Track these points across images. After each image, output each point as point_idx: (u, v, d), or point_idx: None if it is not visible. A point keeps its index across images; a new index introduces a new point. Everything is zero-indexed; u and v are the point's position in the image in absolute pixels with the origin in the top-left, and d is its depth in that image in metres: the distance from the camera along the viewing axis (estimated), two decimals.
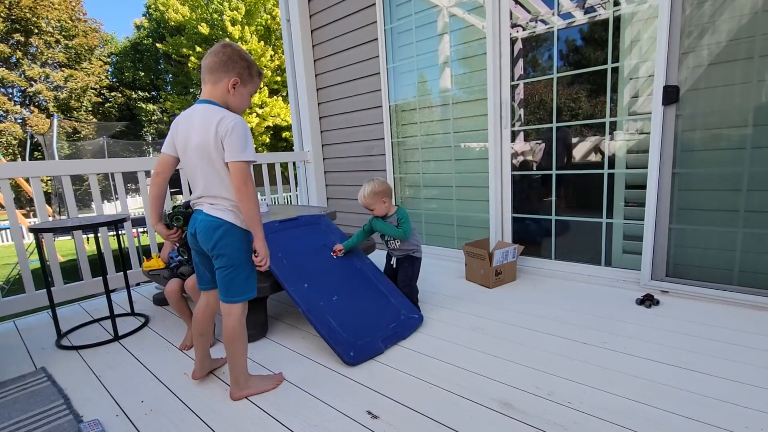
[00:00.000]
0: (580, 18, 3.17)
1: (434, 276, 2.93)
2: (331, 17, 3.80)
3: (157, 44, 19.10)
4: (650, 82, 2.32)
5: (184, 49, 17.51)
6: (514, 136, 3.01)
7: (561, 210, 2.83)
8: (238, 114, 1.40)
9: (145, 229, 6.45)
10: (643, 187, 2.37)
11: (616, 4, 2.56)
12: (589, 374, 1.57)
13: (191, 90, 20.00)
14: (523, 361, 1.70)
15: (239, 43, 16.17)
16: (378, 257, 2.56)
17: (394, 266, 2.33)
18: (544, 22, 3.19)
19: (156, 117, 22.19)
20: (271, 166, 3.93)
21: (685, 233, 2.32)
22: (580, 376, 1.56)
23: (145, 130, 22.25)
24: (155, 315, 2.51)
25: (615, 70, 2.55)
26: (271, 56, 17.00)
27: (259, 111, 16.52)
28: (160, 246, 2.57)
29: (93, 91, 20.43)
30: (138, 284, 3.17)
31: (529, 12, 3.23)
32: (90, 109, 20.62)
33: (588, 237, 2.76)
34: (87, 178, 2.84)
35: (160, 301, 2.68)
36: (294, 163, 4.24)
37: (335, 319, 1.87)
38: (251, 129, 16.63)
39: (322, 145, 4.23)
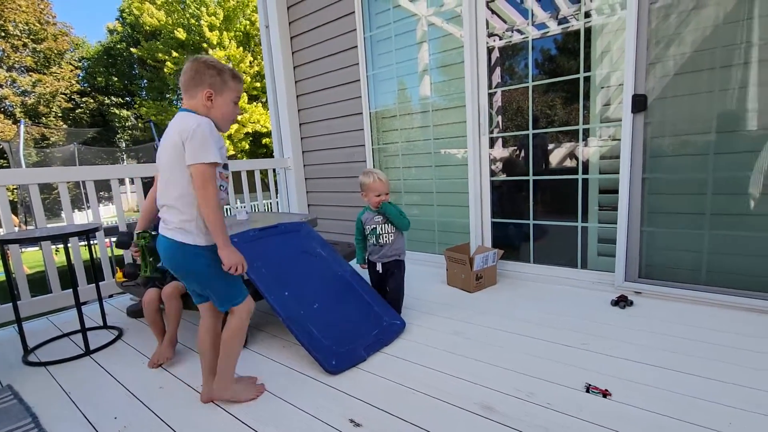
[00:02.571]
0: (554, 28, 3.27)
1: (416, 281, 2.94)
2: (311, 24, 3.81)
3: (132, 49, 18.66)
4: (620, 90, 2.42)
5: (160, 54, 17.16)
6: (492, 142, 3.07)
7: (538, 214, 2.90)
8: (225, 125, 1.41)
9: None
10: (616, 191, 2.45)
11: (587, 15, 2.66)
12: (567, 375, 1.60)
13: (167, 96, 19.58)
14: (504, 364, 1.72)
15: (217, 49, 15.99)
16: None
17: (381, 272, 2.30)
18: (519, 31, 3.28)
19: (130, 123, 21.60)
20: (250, 173, 3.89)
21: (656, 236, 2.41)
22: (560, 377, 1.59)
23: (118, 136, 21.62)
24: (129, 328, 2.43)
25: (587, 79, 2.64)
26: (250, 62, 16.84)
27: (238, 117, 16.31)
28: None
29: (63, 96, 19.74)
30: (111, 296, 3.06)
31: (505, 22, 3.32)
32: (60, 114, 19.89)
33: (565, 240, 2.83)
34: (57, 186, 2.74)
35: (134, 312, 2.59)
36: (274, 170, 4.20)
37: (316, 327, 1.85)
38: (230, 135, 16.39)
39: (303, 152, 4.20)
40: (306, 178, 4.26)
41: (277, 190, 4.34)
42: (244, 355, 1.97)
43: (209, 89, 1.34)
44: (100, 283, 2.48)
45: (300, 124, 4.16)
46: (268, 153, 17.25)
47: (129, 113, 21.45)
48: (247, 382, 1.63)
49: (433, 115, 3.31)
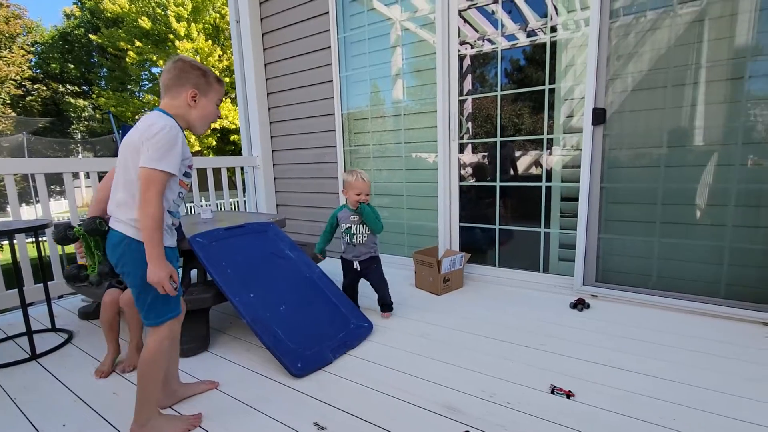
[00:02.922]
0: (523, 40, 3.39)
1: None
2: (284, 22, 3.75)
3: (91, 36, 17.64)
4: (583, 103, 2.54)
5: (122, 43, 16.31)
6: (462, 148, 3.13)
7: (504, 219, 2.99)
8: (204, 126, 1.38)
9: None
10: (576, 199, 2.56)
11: (554, 30, 2.78)
12: (528, 375, 1.66)
13: (128, 86, 18.65)
14: (469, 365, 1.76)
15: (185, 41, 15.42)
16: (330, 266, 2.54)
17: (359, 269, 2.33)
18: (490, 41, 3.38)
19: (87, 114, 20.39)
20: (217, 171, 3.77)
21: (612, 242, 2.54)
22: (520, 377, 1.65)
23: (73, 127, 20.34)
24: (80, 330, 2.29)
25: (552, 91, 2.76)
26: (219, 56, 16.33)
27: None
28: None
29: (12, 82, 18.38)
30: (61, 297, 2.87)
31: (476, 31, 3.41)
32: (8, 102, 18.49)
33: (528, 245, 2.93)
34: (2, 178, 2.54)
35: (86, 314, 2.44)
36: (242, 168, 4.09)
37: (282, 329, 1.82)
38: None
39: (273, 151, 4.13)
40: (275, 178, 4.18)
41: (244, 188, 4.24)
42: (205, 358, 1.91)
43: (194, 89, 1.32)
44: (49, 282, 2.32)
45: (270, 123, 4.08)
46: (236, 150, 16.78)
47: (86, 103, 20.23)
48: (174, 418, 1.43)
49: (405, 118, 3.34)
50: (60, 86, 19.98)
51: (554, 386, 1.55)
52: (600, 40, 2.36)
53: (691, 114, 2.26)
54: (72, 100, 20.00)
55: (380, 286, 2.35)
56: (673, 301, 2.31)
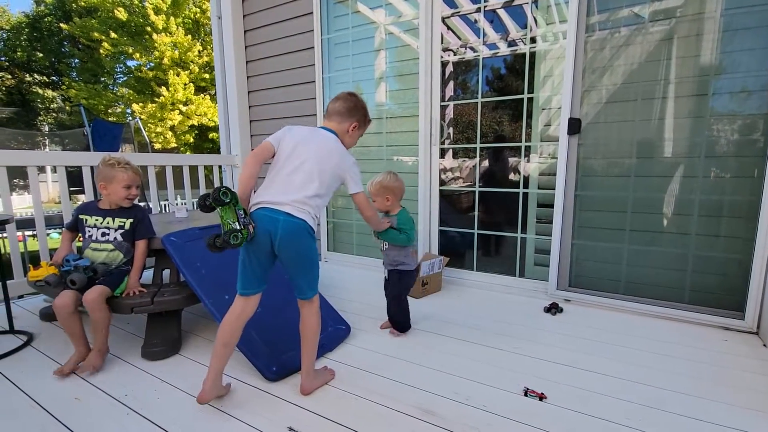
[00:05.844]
0: (504, 50, 3.47)
1: (363, 286, 2.94)
2: (267, 20, 3.71)
3: (62, 24, 16.92)
4: (559, 113, 2.61)
5: (96, 34, 15.71)
6: (443, 153, 3.17)
7: (482, 224, 3.04)
8: (348, 148, 1.68)
9: (35, 233, 5.61)
10: (552, 206, 2.63)
11: (533, 41, 2.86)
12: (501, 378, 1.69)
13: (102, 79, 17.98)
14: (445, 368, 1.77)
15: (163, 35, 15.00)
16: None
17: (386, 278, 2.13)
18: (472, 49, 3.44)
19: (56, 105, 19.51)
20: (193, 169, 3.67)
21: (585, 248, 2.62)
22: (494, 380, 1.67)
23: (41, 119, 19.42)
24: (41, 332, 2.18)
25: (531, 100, 2.83)
26: (199, 52, 15.96)
27: (183, 108, 15.36)
28: (53, 252, 2.23)
29: None
30: (21, 297, 2.73)
31: (459, 38, 3.47)
32: None
33: (505, 250, 2.99)
34: None
35: (48, 316, 2.33)
36: (220, 167, 4.00)
37: (257, 332, 1.78)
38: (173, 126, 15.41)
39: (252, 149, 4.05)
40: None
41: None
42: (176, 362, 1.85)
43: (356, 122, 1.67)
44: (8, 281, 2.20)
45: (250, 121, 4.01)
46: (215, 148, 16.41)
47: (55, 94, 19.37)
48: (322, 371, 1.69)
49: (387, 122, 3.36)
50: (27, 75, 19.05)
51: (527, 388, 1.57)
52: (576, 52, 2.44)
53: (659, 127, 2.36)
54: (40, 91, 19.10)
55: (389, 306, 2.14)
56: (641, 306, 2.40)
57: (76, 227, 2.01)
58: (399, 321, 2.14)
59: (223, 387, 1.53)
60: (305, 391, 1.55)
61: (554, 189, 2.59)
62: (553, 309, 2.43)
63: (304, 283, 1.53)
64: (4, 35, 19.17)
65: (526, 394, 1.55)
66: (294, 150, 1.53)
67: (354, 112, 1.66)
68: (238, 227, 1.33)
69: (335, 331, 2.05)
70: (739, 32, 2.12)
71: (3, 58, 18.86)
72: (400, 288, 2.11)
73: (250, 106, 3.99)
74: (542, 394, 1.54)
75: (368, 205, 1.72)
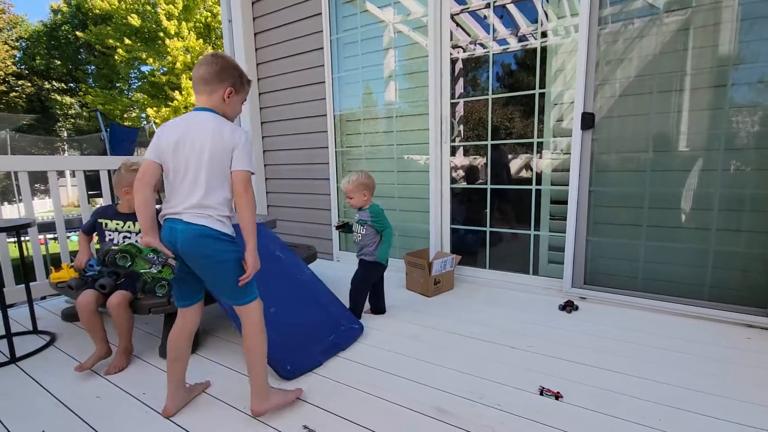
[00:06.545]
0: (514, 45, 3.43)
1: None
2: (276, 22, 3.73)
3: (78, 32, 17.34)
4: (572, 108, 2.57)
5: (110, 40, 16.08)
6: (453, 150, 3.15)
7: (495, 222, 3.01)
8: (232, 121, 1.46)
9: (56, 236, 5.76)
10: (566, 202, 2.59)
11: (544, 35, 2.82)
12: (516, 377, 1.67)
13: (117, 84, 18.38)
14: (458, 366, 1.77)
15: (175, 39, 15.26)
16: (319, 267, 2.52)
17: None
18: (482, 45, 3.41)
19: (74, 111, 20.01)
20: None
21: (600, 245, 2.58)
22: (509, 378, 1.66)
23: (59, 124, 19.95)
24: (63, 332, 2.24)
25: (542, 95, 2.79)
26: None
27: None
28: (72, 255, 2.29)
29: None
30: (44, 298, 2.81)
31: (468, 35, 3.44)
32: None
33: (518, 248, 2.96)
34: None
35: (70, 316, 2.39)
36: None
37: (272, 331, 1.79)
38: None
39: (263, 151, 4.10)
40: (266, 178, 4.15)
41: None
42: (194, 361, 1.88)
43: (231, 87, 1.40)
44: (32, 283, 2.27)
45: (261, 123, 4.05)
46: None
47: (73, 100, 19.87)
48: (279, 391, 1.53)
49: (397, 121, 3.35)
50: (46, 83, 19.59)
51: (543, 387, 1.56)
52: (589, 46, 2.39)
53: (676, 120, 2.30)
54: (58, 97, 19.63)
55: (351, 288, 2.33)
56: (659, 303, 2.34)
57: (93, 230, 2.07)
58: (351, 303, 2.28)
59: (188, 393, 1.54)
60: (255, 412, 1.43)
61: (568, 185, 2.55)
62: (569, 307, 2.40)
63: (226, 288, 1.41)
64: (24, 44, 19.75)
65: (541, 393, 1.53)
66: (174, 154, 1.34)
67: (224, 75, 1.39)
68: (155, 271, 1.37)
69: (348, 330, 2.05)
70: (758, 21, 2.06)
71: (23, 67, 19.43)
72: (362, 274, 2.31)
73: (260, 108, 4.03)
74: (558, 393, 1.52)
75: (250, 187, 1.38)
